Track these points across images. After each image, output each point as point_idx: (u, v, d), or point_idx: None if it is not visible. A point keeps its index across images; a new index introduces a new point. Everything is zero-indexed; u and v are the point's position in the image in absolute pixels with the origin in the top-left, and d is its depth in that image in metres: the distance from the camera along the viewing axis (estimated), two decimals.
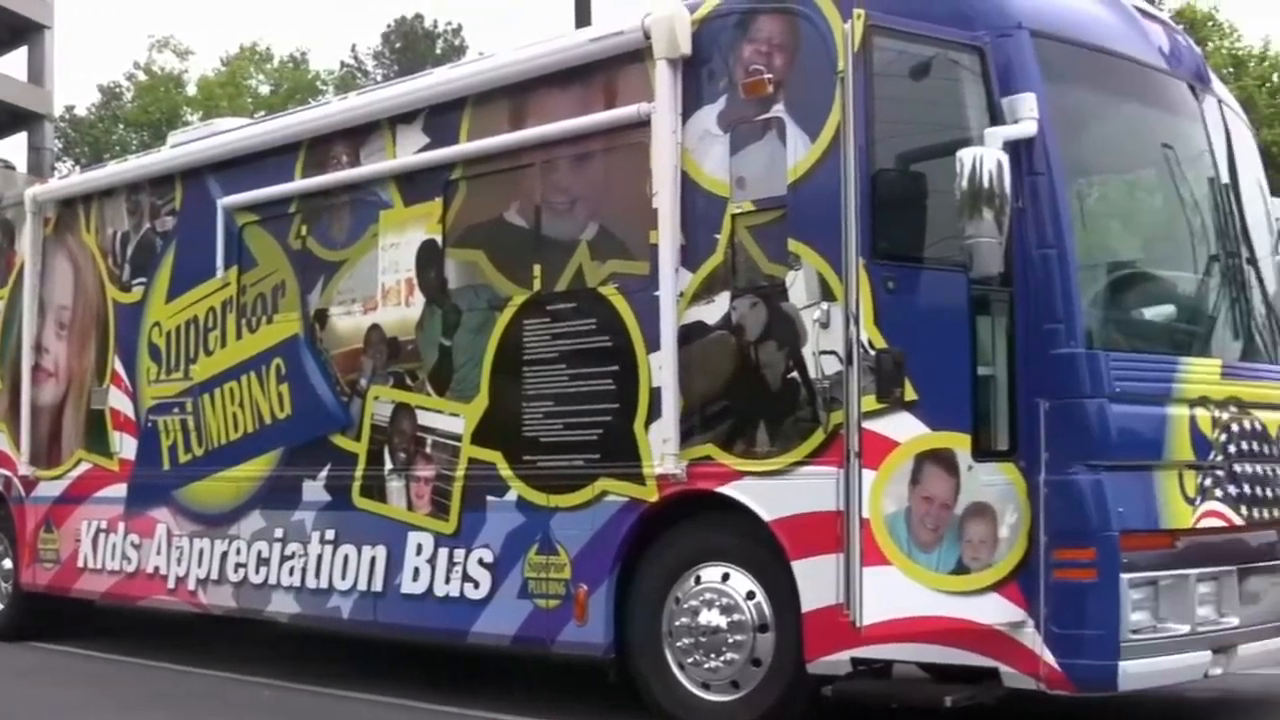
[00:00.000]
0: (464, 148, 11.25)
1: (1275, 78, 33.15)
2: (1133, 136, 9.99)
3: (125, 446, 14.05)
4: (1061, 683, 8.23)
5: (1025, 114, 8.48)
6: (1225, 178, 9.85)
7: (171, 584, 13.38)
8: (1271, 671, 10.47)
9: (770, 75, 9.37)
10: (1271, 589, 9.16)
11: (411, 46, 69.57)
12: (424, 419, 11.27)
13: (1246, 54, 33.51)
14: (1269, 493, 9.20)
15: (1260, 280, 9.88)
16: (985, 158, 8.05)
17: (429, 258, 11.39)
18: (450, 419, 11.06)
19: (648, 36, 9.87)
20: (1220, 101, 10.28)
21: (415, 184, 11.61)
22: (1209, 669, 8.68)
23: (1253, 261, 9.83)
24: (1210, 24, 33.01)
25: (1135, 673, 8.24)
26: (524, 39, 11.62)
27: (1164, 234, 10.22)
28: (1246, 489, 9.01)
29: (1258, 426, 9.19)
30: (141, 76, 68.21)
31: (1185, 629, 8.46)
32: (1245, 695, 10.61)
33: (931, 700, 8.85)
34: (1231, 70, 30.71)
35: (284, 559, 12.26)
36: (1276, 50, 33.57)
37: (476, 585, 10.68)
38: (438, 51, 68.24)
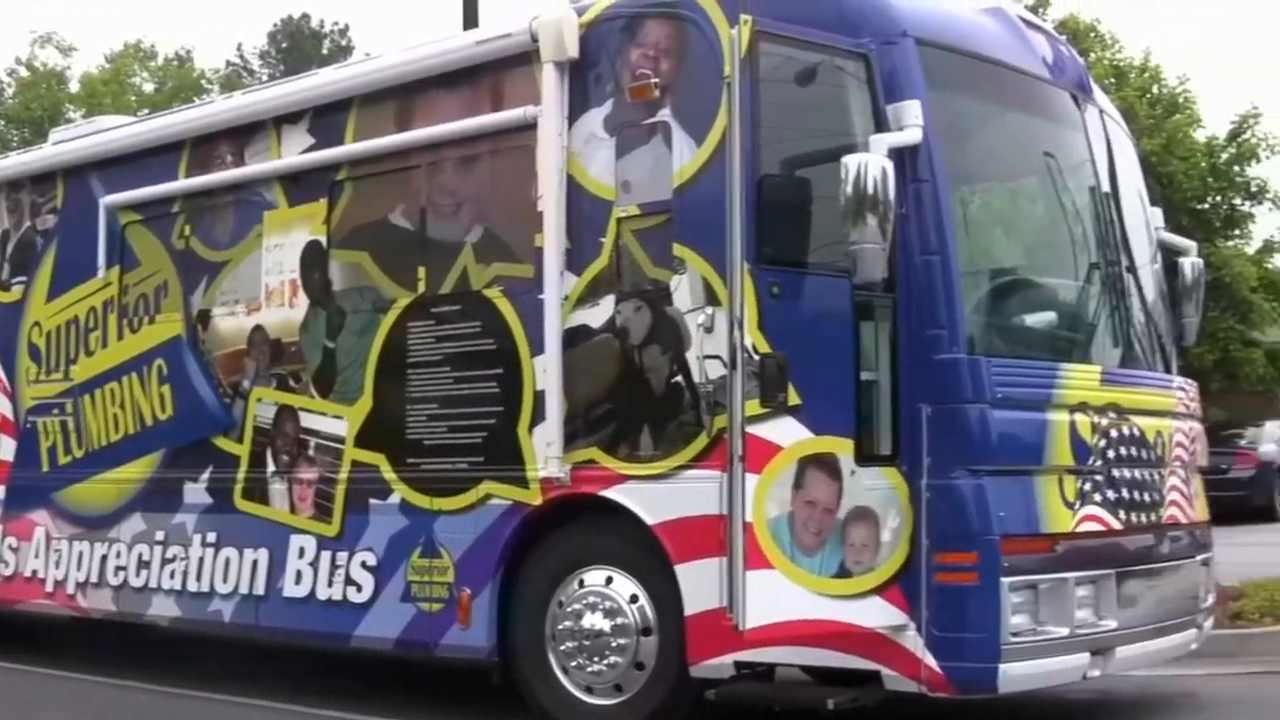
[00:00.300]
0: (349, 149, 11.20)
1: (1155, 89, 33.52)
2: (1016, 145, 10.10)
3: (3, 448, 13.83)
4: (942, 685, 8.29)
5: (910, 121, 8.54)
6: (1106, 186, 9.98)
7: (50, 587, 13.20)
8: (1148, 673, 10.62)
9: (657, 80, 9.37)
10: (1148, 592, 9.28)
11: (298, 46, 68.97)
12: (307, 421, 11.19)
13: (1128, 65, 33.86)
14: (1146, 497, 9.32)
15: (1139, 288, 10.02)
16: (870, 164, 8.10)
17: (313, 259, 11.32)
18: (333, 421, 11.00)
19: (535, 39, 9.85)
20: (1102, 111, 10.41)
21: (300, 184, 11.54)
22: (1088, 671, 8.77)
23: (1132, 269, 9.96)
24: (1093, 35, 33.31)
25: (1015, 675, 8.32)
26: (411, 40, 11.56)
27: (1046, 241, 10.33)
28: (1124, 494, 9.11)
29: (1136, 432, 9.29)
30: (23, 72, 67.14)
31: (1064, 632, 8.54)
32: (1122, 697, 10.72)
33: (813, 703, 8.87)
34: (1113, 81, 31.01)
35: (165, 562, 12.13)
36: (1157, 62, 33.99)
37: (359, 588, 10.62)
38: (324, 51, 67.67)
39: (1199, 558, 10.01)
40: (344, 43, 70.49)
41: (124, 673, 12.62)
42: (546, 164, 9.74)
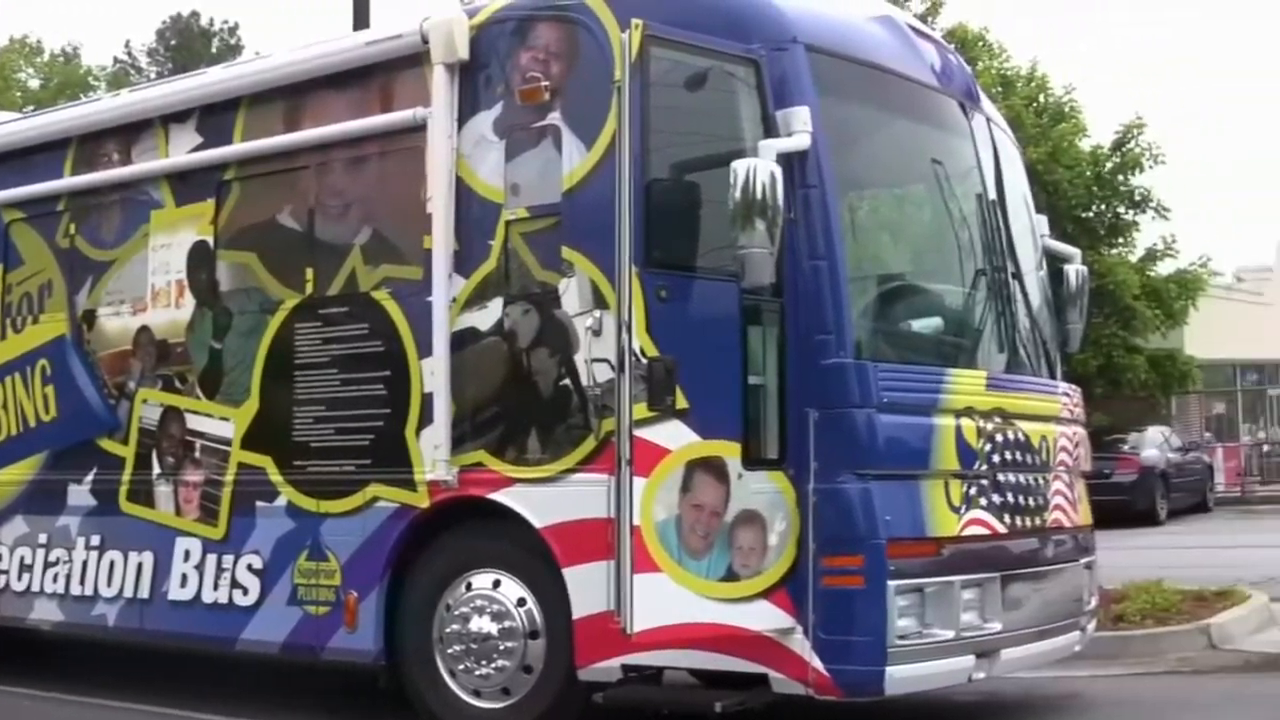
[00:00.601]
0: (237, 148, 11.12)
1: (1042, 98, 33.73)
2: (904, 151, 10.16)
3: None
4: (829, 688, 8.33)
5: (799, 127, 8.58)
6: (993, 194, 10.06)
7: None
8: (1033, 675, 10.73)
9: (547, 83, 9.36)
10: (1033, 595, 9.37)
11: (187, 44, 68.56)
12: (193, 423, 11.09)
13: (1015, 74, 34.03)
14: (1031, 501, 9.41)
15: (1025, 294, 10.11)
16: (758, 169, 8.12)
17: (200, 259, 11.22)
18: (220, 423, 10.90)
19: (425, 41, 9.81)
20: (989, 119, 10.50)
21: (187, 184, 11.43)
22: (973, 673, 8.86)
23: (1018, 276, 10.05)
24: (981, 44, 33.45)
25: (901, 677, 8.38)
26: (302, 40, 11.50)
27: (933, 248, 10.41)
28: (1009, 498, 9.20)
29: (1020, 437, 9.38)
30: None
31: (950, 634, 8.61)
32: (1007, 698, 10.82)
33: (701, 706, 8.90)
34: (1000, 89, 31.17)
35: (47, 565, 11.97)
36: (1043, 71, 34.22)
37: (245, 592, 10.54)
38: (213, 50, 67.34)
39: (1082, 561, 10.13)
40: (233, 41, 70.17)
41: (8, 679, 12.46)
42: (436, 166, 9.71)
